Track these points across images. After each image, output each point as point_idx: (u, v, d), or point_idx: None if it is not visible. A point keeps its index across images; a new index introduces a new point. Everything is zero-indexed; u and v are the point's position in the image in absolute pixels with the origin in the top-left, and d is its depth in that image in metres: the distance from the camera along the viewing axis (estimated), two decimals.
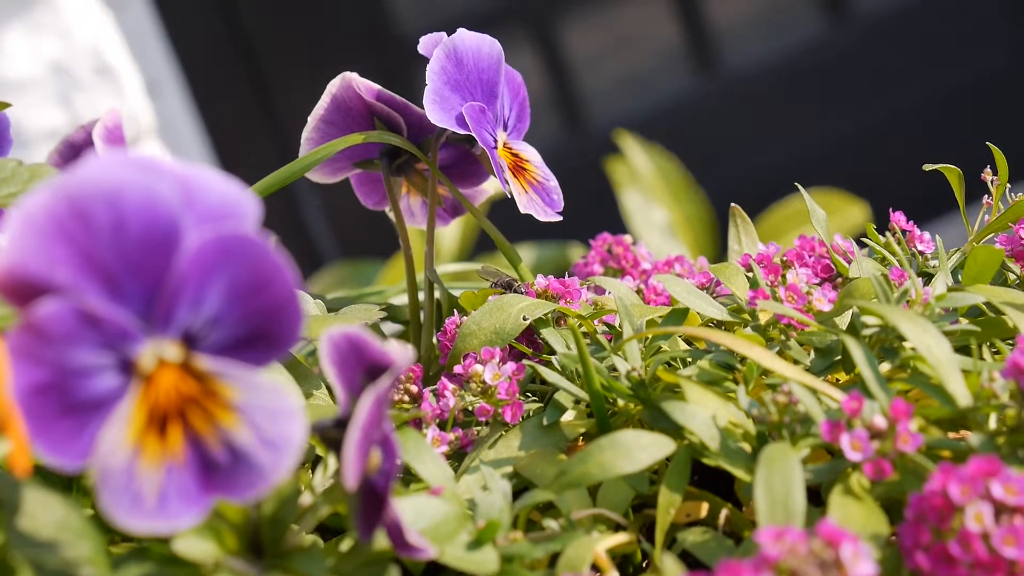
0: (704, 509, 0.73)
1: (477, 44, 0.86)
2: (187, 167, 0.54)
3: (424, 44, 0.87)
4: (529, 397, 0.80)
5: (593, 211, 2.11)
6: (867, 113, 2.96)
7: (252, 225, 0.54)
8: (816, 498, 0.68)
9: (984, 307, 0.78)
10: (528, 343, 0.83)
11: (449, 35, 0.86)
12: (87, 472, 0.59)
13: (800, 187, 0.88)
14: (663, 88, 2.94)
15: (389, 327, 1.02)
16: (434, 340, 0.88)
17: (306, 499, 0.64)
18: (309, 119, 0.88)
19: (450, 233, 1.78)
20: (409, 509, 0.64)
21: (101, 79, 2.02)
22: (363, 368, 0.60)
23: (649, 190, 1.79)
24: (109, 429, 0.53)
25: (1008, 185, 0.85)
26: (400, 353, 0.59)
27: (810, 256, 0.85)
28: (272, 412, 0.54)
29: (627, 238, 0.98)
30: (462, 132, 0.84)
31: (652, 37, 2.97)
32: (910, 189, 2.70)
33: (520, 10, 2.80)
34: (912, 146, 2.80)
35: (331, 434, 0.61)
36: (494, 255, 1.87)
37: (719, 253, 1.91)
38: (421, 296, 0.91)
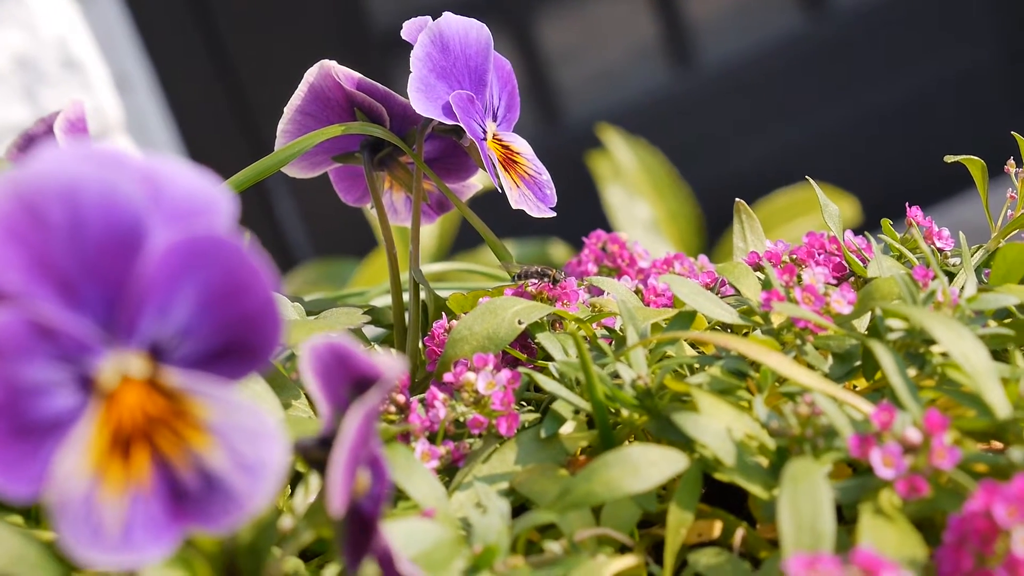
0: (717, 528, 0.67)
1: (464, 29, 0.80)
2: (153, 160, 0.49)
3: (408, 29, 0.81)
4: (524, 406, 0.75)
5: (573, 206, 2.06)
6: (848, 107, 2.92)
7: (226, 224, 0.48)
8: (838, 514, 0.62)
9: (1014, 309, 0.72)
10: (520, 347, 0.77)
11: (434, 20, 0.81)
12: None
13: (812, 180, 0.83)
14: (641, 82, 2.89)
15: (371, 331, 0.96)
16: (420, 345, 0.82)
17: (286, 522, 0.58)
18: (285, 110, 0.82)
19: (428, 230, 1.72)
20: (399, 534, 0.58)
21: (68, 73, 1.96)
22: (349, 381, 0.54)
23: (632, 185, 1.73)
24: (66, 453, 0.47)
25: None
26: (390, 365, 0.54)
27: (820, 254, 0.80)
28: (249, 433, 0.48)
29: (623, 235, 0.93)
30: (449, 123, 0.78)
31: (630, 30, 2.92)
32: (892, 185, 2.66)
33: (497, 3, 2.75)
34: (894, 140, 2.76)
35: (314, 454, 0.55)
36: (474, 253, 1.82)
37: (705, 250, 1.86)
38: (405, 297, 0.85)
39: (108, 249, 0.47)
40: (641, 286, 0.83)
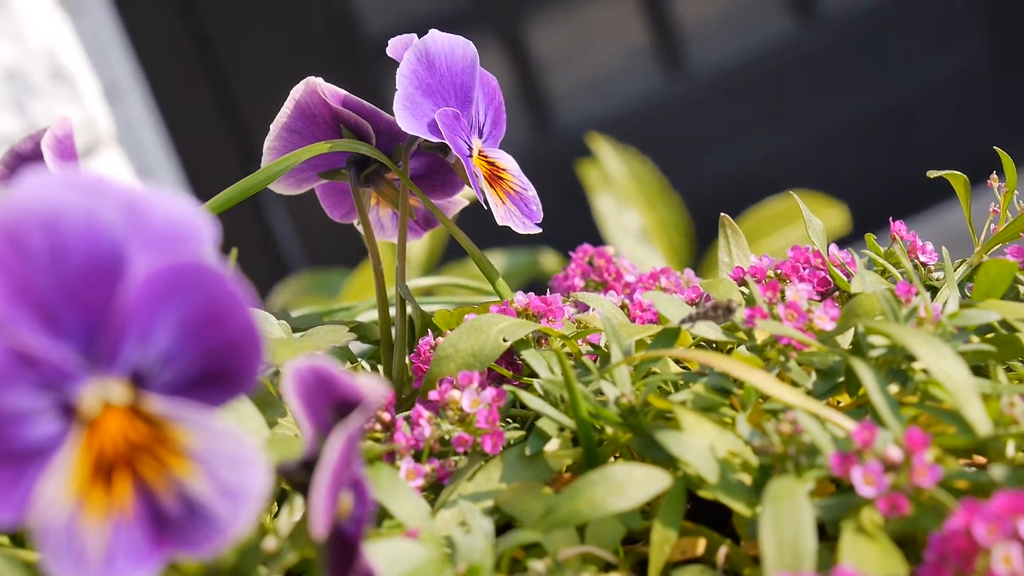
0: (701, 545, 0.67)
1: (450, 46, 0.81)
2: (135, 186, 0.49)
3: (394, 46, 0.81)
4: (510, 424, 0.75)
5: (563, 215, 2.06)
6: (839, 112, 2.92)
7: (207, 250, 0.48)
8: (820, 532, 0.63)
9: (996, 324, 0.72)
10: (506, 364, 0.78)
11: (420, 36, 0.81)
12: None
13: (794, 194, 0.83)
14: (631, 88, 2.90)
15: (358, 347, 0.96)
16: (407, 361, 0.82)
17: (270, 544, 0.58)
18: (272, 127, 0.82)
19: (417, 242, 1.72)
20: (383, 554, 0.58)
21: (57, 84, 1.96)
22: (331, 404, 0.55)
23: (622, 194, 1.73)
24: (48, 481, 0.47)
25: (1016, 192, 0.80)
26: (372, 388, 0.54)
27: (805, 269, 0.80)
28: (231, 459, 0.48)
29: (609, 249, 0.93)
30: (434, 140, 0.78)
31: (620, 37, 2.93)
32: (881, 190, 2.67)
33: (488, 10, 2.75)
34: (884, 146, 2.77)
35: (297, 477, 0.55)
36: (464, 264, 1.82)
37: (695, 260, 1.86)
38: (393, 312, 0.85)
39: (90, 277, 0.47)
40: (627, 301, 0.84)
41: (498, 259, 1.78)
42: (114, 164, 2.06)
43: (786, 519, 0.58)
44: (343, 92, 0.82)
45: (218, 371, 0.49)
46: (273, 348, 0.72)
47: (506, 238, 1.99)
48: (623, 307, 0.83)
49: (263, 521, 0.63)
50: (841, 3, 2.91)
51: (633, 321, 0.82)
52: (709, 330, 0.72)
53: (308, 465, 0.55)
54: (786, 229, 1.81)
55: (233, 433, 0.48)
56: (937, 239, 0.83)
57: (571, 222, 1.93)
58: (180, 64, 2.59)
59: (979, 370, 0.70)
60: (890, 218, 0.82)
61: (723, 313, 0.72)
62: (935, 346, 0.64)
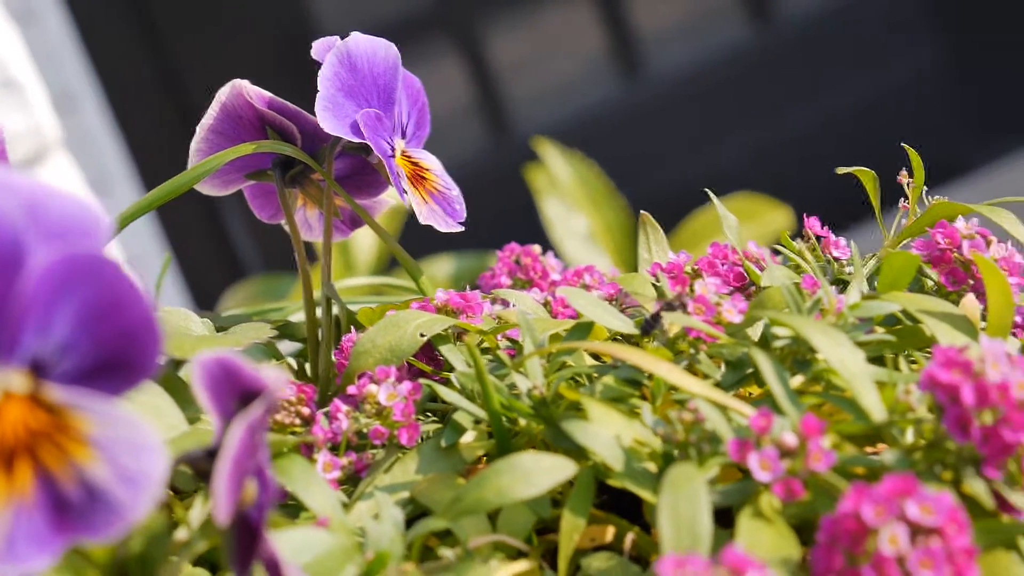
0: (610, 533, 0.69)
1: (372, 48, 0.82)
2: (35, 182, 0.50)
3: (317, 49, 0.83)
4: (429, 417, 0.77)
5: (518, 220, 2.08)
6: (794, 118, 2.95)
7: (102, 243, 0.50)
8: (727, 518, 0.64)
9: (901, 316, 0.74)
10: (430, 360, 0.79)
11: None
12: None
13: (710, 192, 0.85)
14: (589, 94, 2.92)
15: (291, 346, 0.98)
16: (332, 359, 0.84)
17: (183, 534, 0.60)
18: (198, 129, 0.84)
19: (367, 244, 1.73)
20: (291, 542, 0.60)
21: (4, 93, 1.97)
22: (237, 394, 0.56)
23: (569, 198, 1.75)
24: None
25: (925, 187, 0.82)
26: (274, 378, 0.55)
27: (723, 264, 0.82)
28: (131, 446, 0.50)
29: (535, 248, 0.95)
30: (357, 140, 0.80)
31: (578, 43, 2.94)
32: (839, 194, 2.69)
33: (445, 17, 2.77)
34: (840, 150, 2.79)
35: (203, 465, 0.57)
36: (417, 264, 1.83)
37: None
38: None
39: None
40: (550, 298, 0.85)
41: (448, 262, 1.80)
42: (63, 171, 2.07)
43: (683, 503, 0.60)
44: (268, 94, 0.83)
45: (117, 360, 0.50)
46: (188, 344, 0.73)
47: (455, 243, 2.01)
48: (546, 304, 0.85)
49: (177, 512, 0.64)
50: (797, 8, 2.94)
51: (555, 317, 0.83)
52: (621, 324, 0.74)
53: (213, 454, 0.56)
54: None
55: (132, 420, 0.50)
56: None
57: (524, 226, 1.95)
58: (136, 71, 2.60)
59: (882, 360, 0.72)
60: (803, 215, 0.84)
61: (680, 307, 0.73)
62: (832, 336, 0.66)
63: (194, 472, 0.57)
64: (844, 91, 2.98)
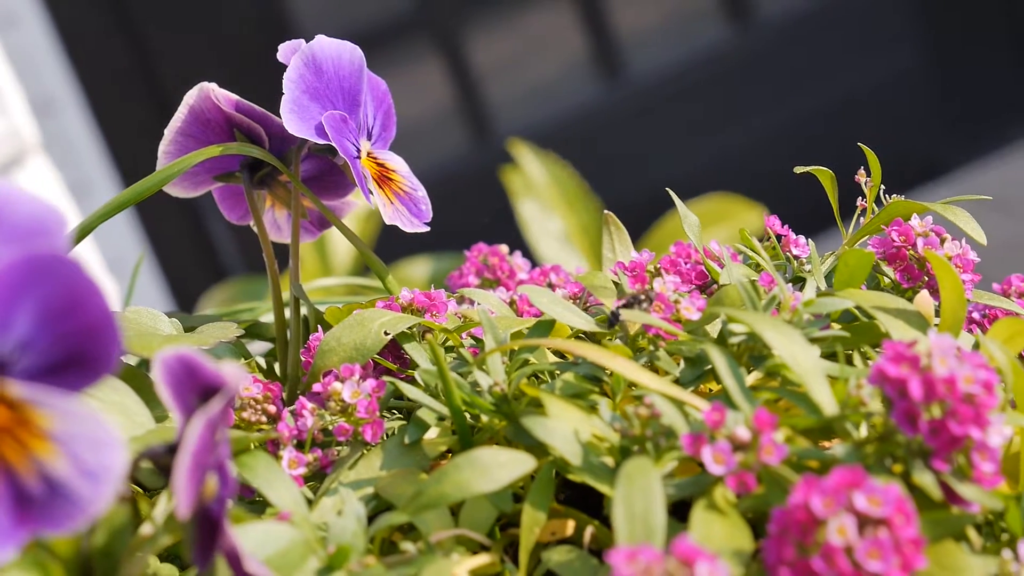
0: (570, 527, 0.70)
1: (337, 51, 0.83)
2: None
3: (283, 51, 0.84)
4: (395, 415, 0.78)
5: (499, 221, 2.09)
6: (773, 118, 2.96)
7: (62, 243, 0.51)
8: (683, 512, 0.65)
9: (858, 312, 0.76)
10: (396, 359, 0.80)
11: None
12: None
13: (672, 193, 0.86)
14: (570, 96, 2.93)
15: (263, 346, 0.99)
16: (300, 358, 0.85)
17: (148, 529, 0.61)
18: (166, 131, 0.85)
19: (345, 245, 1.74)
20: (253, 536, 0.61)
21: None
22: (198, 390, 0.57)
23: (544, 199, 1.77)
24: None
25: (882, 186, 0.83)
26: (233, 374, 0.57)
27: (686, 263, 0.83)
28: (91, 441, 0.51)
29: (503, 248, 0.96)
30: (322, 142, 0.81)
31: (558, 45, 2.96)
32: (818, 193, 2.70)
33: (426, 19, 2.78)
34: (819, 150, 2.80)
35: (164, 461, 0.58)
36: (394, 267, 1.84)
37: None
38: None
39: None
40: (516, 297, 0.87)
41: (426, 264, 1.81)
42: (42, 175, 2.08)
43: (638, 496, 0.61)
44: (235, 97, 0.84)
45: (76, 357, 0.51)
46: (152, 343, 0.74)
47: (433, 245, 2.02)
48: (512, 303, 0.86)
49: (143, 508, 0.65)
50: (777, 7, 2.95)
51: (520, 315, 0.85)
52: (582, 321, 0.75)
53: (175, 449, 0.57)
54: (710, 229, 1.85)
55: (92, 416, 0.51)
56: None
57: (504, 228, 1.96)
58: (118, 75, 2.61)
59: (846, 358, 0.74)
60: (764, 214, 0.85)
61: (645, 300, 0.75)
62: (785, 332, 0.67)
63: (156, 468, 0.58)
64: (823, 91, 3.00)
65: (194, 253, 2.74)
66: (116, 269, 2.31)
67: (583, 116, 2.91)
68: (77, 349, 0.51)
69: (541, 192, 1.78)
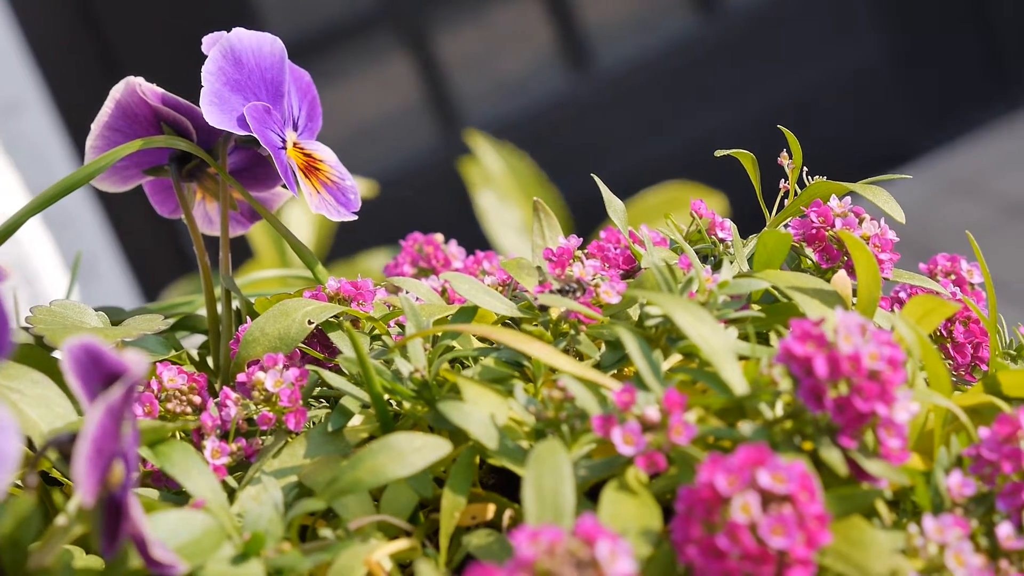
0: (491, 511, 0.71)
1: (257, 43, 0.84)
2: None
3: (205, 44, 0.84)
4: (322, 403, 0.78)
5: (466, 213, 2.09)
6: (739, 108, 2.97)
7: None
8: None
9: (777, 293, 0.76)
10: (324, 348, 0.81)
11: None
12: None
13: (596, 178, 0.87)
14: (537, 89, 2.93)
15: (200, 339, 0.99)
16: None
17: (62, 520, 0.61)
18: (93, 126, 0.85)
19: (303, 235, 1.75)
20: (165, 524, 0.61)
21: None
22: (103, 379, 0.58)
23: (502, 190, 1.77)
24: None
25: (805, 168, 0.83)
26: (135, 361, 0.57)
27: (616, 248, 0.84)
28: None
29: (438, 237, 0.97)
30: (243, 134, 0.81)
31: (526, 38, 2.96)
32: (778, 181, 2.71)
33: (392, 14, 2.78)
34: (782, 139, 2.81)
35: (69, 449, 0.58)
36: (352, 261, 1.85)
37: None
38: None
39: None
40: (447, 285, 0.87)
41: (384, 256, 1.81)
42: (5, 177, 2.08)
43: (547, 477, 0.62)
44: (161, 91, 0.85)
45: None
46: (62, 335, 0.75)
47: (401, 236, 2.02)
48: (443, 292, 0.87)
49: (56, 499, 0.66)
50: (741, 1, 2.96)
51: (451, 303, 0.85)
52: (504, 307, 0.76)
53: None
54: (673, 216, 1.85)
55: None
56: None
57: (468, 220, 1.97)
58: (84, 75, 2.60)
59: (764, 337, 0.74)
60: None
61: (577, 287, 0.75)
62: (695, 313, 0.67)
63: (62, 456, 0.59)
64: (790, 81, 3.00)
65: (160, 246, 2.74)
66: (82, 263, 2.31)
67: (551, 108, 2.92)
68: None
69: (499, 183, 1.79)
